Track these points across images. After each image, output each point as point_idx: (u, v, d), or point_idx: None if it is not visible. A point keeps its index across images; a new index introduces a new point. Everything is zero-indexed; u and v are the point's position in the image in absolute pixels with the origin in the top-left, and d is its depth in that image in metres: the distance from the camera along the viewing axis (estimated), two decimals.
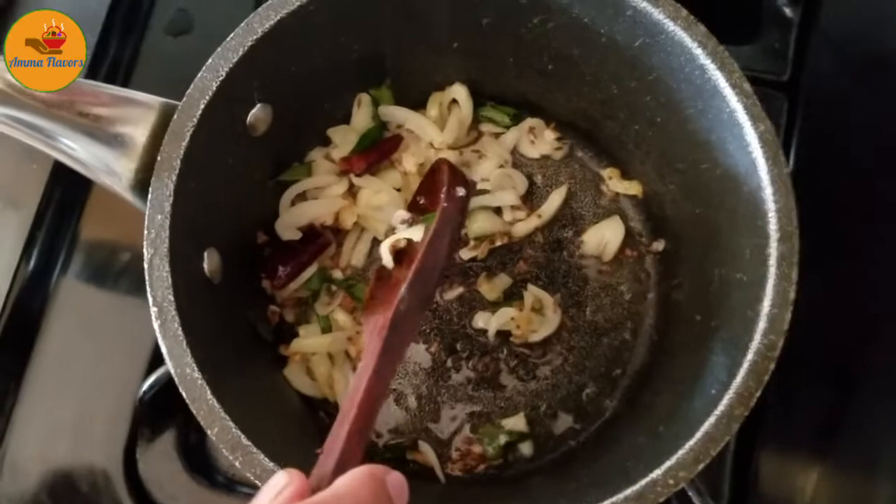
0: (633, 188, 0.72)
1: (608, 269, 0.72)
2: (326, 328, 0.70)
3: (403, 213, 0.67)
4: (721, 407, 0.50)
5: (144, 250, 0.53)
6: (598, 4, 0.58)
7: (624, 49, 0.60)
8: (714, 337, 0.58)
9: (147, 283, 0.52)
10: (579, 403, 0.69)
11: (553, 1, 0.60)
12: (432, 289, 0.65)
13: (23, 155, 0.75)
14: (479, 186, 0.73)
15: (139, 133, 0.55)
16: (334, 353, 0.69)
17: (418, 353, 0.70)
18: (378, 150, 0.71)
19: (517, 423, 0.67)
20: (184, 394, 0.51)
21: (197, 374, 0.51)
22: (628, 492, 0.49)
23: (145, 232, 0.53)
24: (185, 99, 0.55)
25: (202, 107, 0.55)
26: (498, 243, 0.72)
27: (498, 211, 0.72)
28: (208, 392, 0.51)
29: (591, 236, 0.72)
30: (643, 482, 0.49)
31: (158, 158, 0.54)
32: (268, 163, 0.69)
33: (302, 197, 0.71)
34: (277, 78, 0.61)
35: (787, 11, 0.78)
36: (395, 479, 0.43)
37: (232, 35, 0.56)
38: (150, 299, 0.52)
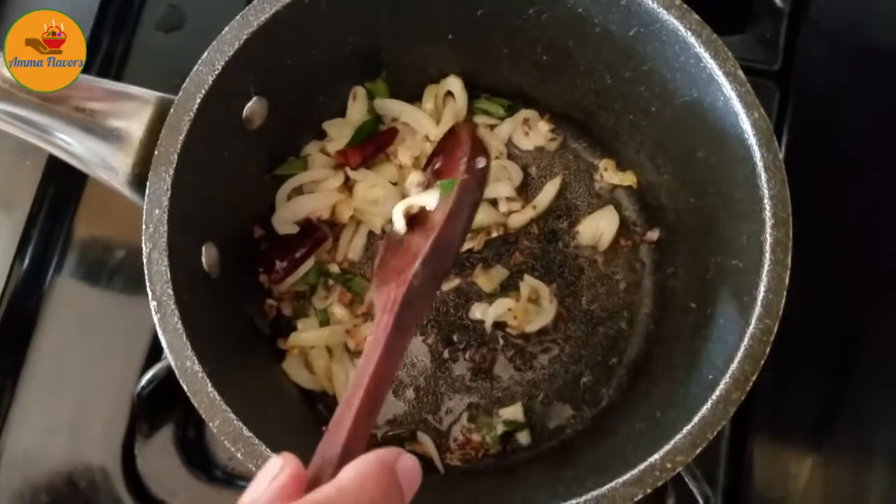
0: (627, 179, 0.72)
1: (603, 258, 0.72)
2: (324, 322, 0.70)
3: (419, 176, 0.64)
4: (718, 392, 0.51)
5: (143, 245, 0.53)
6: None
7: (618, 39, 0.60)
8: (710, 324, 0.58)
9: (146, 277, 0.52)
10: (576, 392, 0.69)
11: None
12: (448, 265, 0.60)
13: (16, 152, 0.75)
14: None
15: (135, 127, 0.55)
16: (332, 347, 0.69)
17: (416, 345, 0.70)
18: (374, 143, 0.71)
19: (514, 412, 0.68)
20: (185, 387, 0.51)
21: (197, 367, 0.51)
22: (627, 476, 0.49)
23: (143, 226, 0.53)
24: (181, 93, 0.55)
25: (199, 101, 0.55)
26: (494, 235, 0.72)
27: (493, 203, 0.73)
28: (209, 385, 0.51)
29: (586, 227, 0.72)
30: (642, 466, 0.50)
31: (156, 153, 0.54)
32: (264, 157, 0.69)
33: (298, 191, 0.71)
34: (273, 71, 0.61)
35: (778, 1, 0.78)
36: (407, 464, 0.41)
37: (227, 28, 0.56)
38: (150, 293, 0.52)
